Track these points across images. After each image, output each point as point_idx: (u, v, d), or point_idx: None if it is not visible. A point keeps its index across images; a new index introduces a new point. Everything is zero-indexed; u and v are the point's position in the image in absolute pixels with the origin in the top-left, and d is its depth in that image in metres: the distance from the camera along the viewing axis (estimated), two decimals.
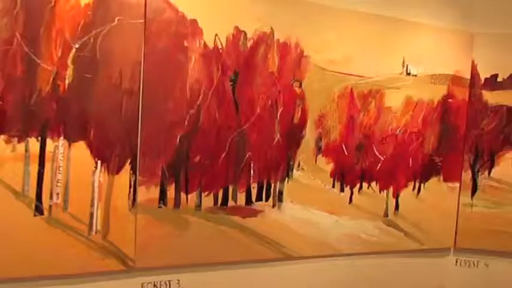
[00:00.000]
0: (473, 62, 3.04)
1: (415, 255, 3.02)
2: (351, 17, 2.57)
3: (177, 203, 2.17)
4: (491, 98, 3.05)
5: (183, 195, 2.18)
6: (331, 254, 2.62)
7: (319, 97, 2.47)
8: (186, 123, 2.15)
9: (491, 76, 3.04)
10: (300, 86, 2.39)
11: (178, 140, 2.15)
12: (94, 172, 1.99)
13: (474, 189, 3.09)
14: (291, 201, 2.44)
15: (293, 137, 2.41)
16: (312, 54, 2.42)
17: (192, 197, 2.20)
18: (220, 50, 2.21)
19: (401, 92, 2.77)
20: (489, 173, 3.07)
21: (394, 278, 2.95)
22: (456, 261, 3.18)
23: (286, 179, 2.42)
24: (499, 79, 3.04)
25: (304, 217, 2.49)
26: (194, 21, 2.16)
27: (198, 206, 2.22)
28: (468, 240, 3.10)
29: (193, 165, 2.18)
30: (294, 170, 2.43)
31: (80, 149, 1.95)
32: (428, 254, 3.08)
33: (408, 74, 2.78)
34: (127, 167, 2.05)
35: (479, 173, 3.08)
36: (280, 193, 2.41)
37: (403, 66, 2.75)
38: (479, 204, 3.08)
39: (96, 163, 1.99)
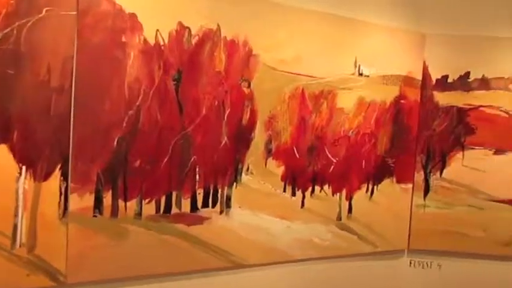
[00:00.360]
0: (424, 62, 3.04)
1: (369, 258, 2.98)
2: (302, 15, 2.48)
3: (114, 211, 1.99)
4: (442, 98, 3.06)
5: (121, 202, 2.01)
6: (282, 261, 2.52)
7: (269, 98, 2.37)
8: (124, 124, 1.98)
9: (442, 77, 3.05)
10: (249, 86, 2.28)
11: (115, 142, 1.98)
12: (18, 178, 1.79)
13: (426, 190, 3.09)
14: (240, 207, 2.32)
15: (241, 139, 2.30)
16: (262, 53, 2.31)
17: (132, 204, 2.04)
18: (162, 47, 2.06)
19: (354, 92, 2.71)
20: (441, 173, 3.08)
21: (349, 282, 2.90)
22: (410, 263, 3.17)
23: (235, 183, 2.29)
24: (450, 80, 3.05)
25: (253, 223, 2.38)
26: (133, 15, 2.00)
27: (138, 214, 2.05)
28: (421, 241, 3.09)
29: (133, 170, 2.02)
30: (243, 174, 2.31)
31: (1, 153, 1.76)
32: (383, 257, 3.05)
33: (360, 74, 2.73)
34: (57, 172, 1.86)
35: (431, 174, 3.08)
36: (228, 198, 2.29)
37: (356, 67, 2.70)
38: (431, 205, 3.09)
39: (21, 168, 1.79)
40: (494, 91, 3.02)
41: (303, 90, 2.48)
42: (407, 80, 2.96)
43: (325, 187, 2.65)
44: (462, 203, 3.07)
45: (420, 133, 3.05)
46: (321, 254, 2.68)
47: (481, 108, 3.03)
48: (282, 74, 2.39)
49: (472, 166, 3.05)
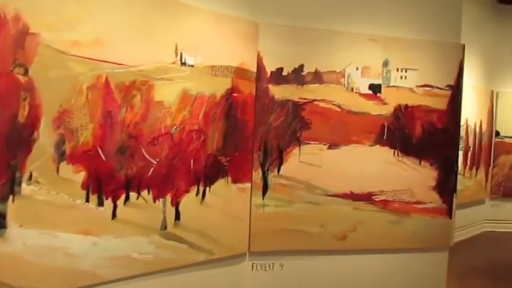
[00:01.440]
0: (259, 54, 2.86)
1: (206, 267, 2.71)
2: None
3: None
4: (278, 92, 2.91)
5: None
6: (89, 284, 2.11)
7: (58, 88, 1.92)
8: None
9: (277, 69, 2.91)
10: (26, 73, 1.81)
11: None
12: None
13: (265, 189, 2.93)
14: (21, 226, 1.84)
15: (18, 140, 1.81)
16: (43, 32, 1.85)
17: None
18: None
19: (176, 84, 2.39)
20: (278, 170, 2.94)
21: None
22: (252, 266, 3.00)
23: (11, 196, 1.81)
24: (285, 73, 2.93)
25: (44, 244, 1.92)
26: None
27: None
28: (262, 242, 2.92)
29: None
30: (24, 185, 1.84)
31: None
32: (222, 263, 2.81)
33: (183, 63, 2.42)
34: None
35: (269, 172, 2.93)
36: (2, 217, 1.80)
37: (177, 55, 2.39)
38: (270, 204, 2.93)
39: None
40: (326, 85, 2.98)
41: (107, 79, 2.07)
42: (240, 72, 2.75)
43: (144, 193, 2.29)
44: (300, 199, 2.98)
45: (257, 129, 2.88)
46: (143, 269, 2.33)
47: (315, 102, 2.96)
48: (76, 59, 1.95)
49: (308, 162, 2.97)
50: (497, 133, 5.45)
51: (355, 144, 3.04)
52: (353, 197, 3.06)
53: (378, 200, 3.10)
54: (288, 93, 2.92)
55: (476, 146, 5.13)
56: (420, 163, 3.15)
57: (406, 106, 3.11)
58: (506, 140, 5.44)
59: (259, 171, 2.89)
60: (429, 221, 3.19)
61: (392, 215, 3.13)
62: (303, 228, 2.99)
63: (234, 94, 2.74)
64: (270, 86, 2.88)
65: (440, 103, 3.17)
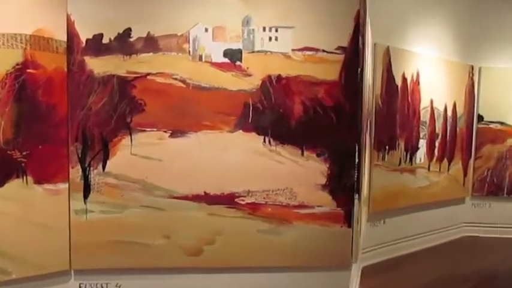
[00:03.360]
0: (69, 17, 2.23)
1: None
2: None
3: None
4: (98, 66, 2.26)
5: None
6: None
7: None
8: None
9: (95, 37, 2.26)
10: None
11: None
12: None
13: (87, 191, 2.29)
14: None
15: None
16: None
17: None
18: None
19: None
20: (104, 167, 2.30)
21: None
22: (80, 287, 2.37)
23: None
24: (105, 40, 2.27)
25: None
26: None
27: None
28: (88, 258, 2.29)
29: None
30: None
31: None
32: (37, 283, 2.22)
33: None
34: None
35: (92, 168, 2.29)
36: None
37: None
38: (95, 209, 2.29)
39: None
40: (164, 53, 2.29)
41: None
42: (37, 41, 2.13)
43: None
44: (135, 203, 2.31)
45: (71, 114, 2.25)
46: None
47: (149, 77, 2.28)
48: None
49: (143, 154, 2.30)
50: (481, 118, 4.46)
51: (208, 130, 2.34)
52: (208, 199, 2.35)
53: (243, 203, 2.37)
54: (111, 66, 2.26)
55: (448, 134, 4.20)
56: (303, 154, 2.37)
57: (279, 77, 2.34)
58: (492, 126, 4.44)
59: (78, 167, 2.26)
60: (319, 230, 2.40)
61: (265, 222, 2.38)
62: (140, 240, 2.32)
63: (29, 70, 2.13)
64: (87, 59, 2.24)
65: (329, 72, 2.37)
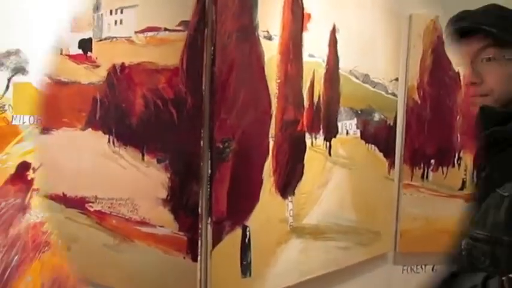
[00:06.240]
0: None
1: None
2: None
3: None
4: None
5: None
6: None
7: None
8: None
9: None
10: None
11: None
12: None
13: None
14: None
15: None
16: None
17: None
18: None
19: None
20: None
21: None
22: None
23: None
24: None
25: None
26: None
27: None
28: None
29: None
30: None
31: None
32: None
33: None
34: None
35: None
36: None
37: None
38: None
39: None
40: None
41: None
42: None
43: None
44: None
45: None
46: None
47: None
48: None
49: None
50: None
51: (67, 127, 1.84)
52: (66, 201, 1.74)
53: (92, 209, 1.90)
54: None
55: None
56: (143, 158, 1.96)
57: (123, 66, 1.88)
58: None
59: None
60: (161, 257, 1.96)
61: (109, 236, 1.87)
62: None
63: None
64: None
65: (170, 56, 1.93)
